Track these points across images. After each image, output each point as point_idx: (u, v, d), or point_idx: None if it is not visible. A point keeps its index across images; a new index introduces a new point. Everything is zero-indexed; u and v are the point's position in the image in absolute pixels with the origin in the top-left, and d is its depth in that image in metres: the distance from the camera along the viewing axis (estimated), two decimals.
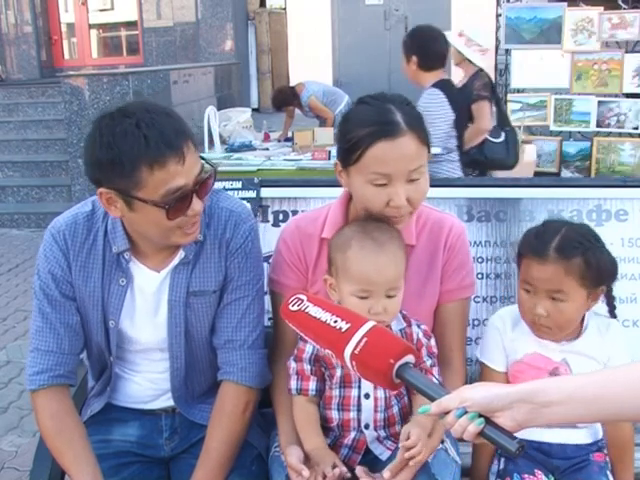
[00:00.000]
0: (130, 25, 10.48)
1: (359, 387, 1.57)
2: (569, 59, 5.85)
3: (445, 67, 4.01)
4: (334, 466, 1.46)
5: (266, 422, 1.74)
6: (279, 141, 6.12)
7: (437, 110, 3.79)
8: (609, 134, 6.00)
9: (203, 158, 1.52)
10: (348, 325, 1.22)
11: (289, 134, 6.12)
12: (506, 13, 6.04)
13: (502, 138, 4.37)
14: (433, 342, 1.61)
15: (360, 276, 1.48)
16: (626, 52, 5.82)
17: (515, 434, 1.11)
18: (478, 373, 1.78)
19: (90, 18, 10.54)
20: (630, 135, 5.92)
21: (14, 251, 5.92)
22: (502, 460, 1.69)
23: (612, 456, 1.72)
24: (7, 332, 4.22)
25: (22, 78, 9.87)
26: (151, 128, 1.39)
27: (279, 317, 1.61)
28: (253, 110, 8.18)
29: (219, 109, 6.14)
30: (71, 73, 7.30)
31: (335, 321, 1.24)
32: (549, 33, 5.88)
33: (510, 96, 6.16)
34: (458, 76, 4.77)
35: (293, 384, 1.59)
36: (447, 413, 1.13)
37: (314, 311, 1.28)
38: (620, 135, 5.95)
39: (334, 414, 1.58)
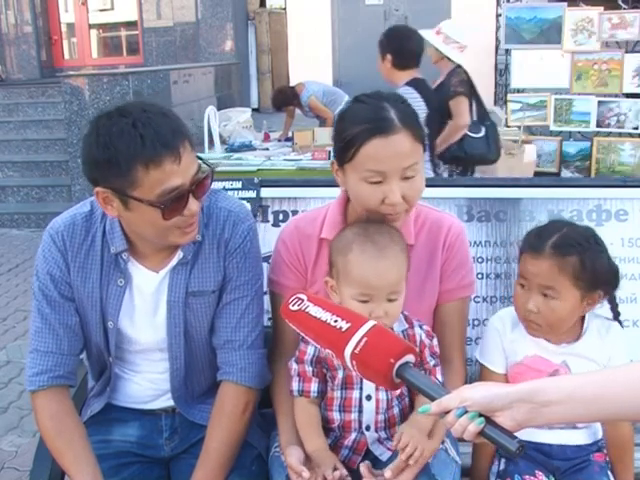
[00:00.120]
0: (130, 25, 10.49)
1: (361, 389, 1.56)
2: (569, 59, 5.85)
3: (419, 66, 3.99)
4: (335, 468, 1.46)
5: (266, 422, 1.74)
6: (279, 141, 6.13)
7: None
8: (609, 134, 6.00)
9: (200, 158, 1.51)
10: (348, 325, 1.22)
11: (289, 134, 6.12)
12: (506, 13, 6.04)
13: (482, 133, 4.35)
14: (435, 342, 1.60)
15: (361, 280, 1.48)
16: (626, 52, 5.82)
17: (515, 434, 1.11)
18: (478, 373, 1.78)
19: (90, 18, 10.54)
20: (630, 135, 5.92)
21: (14, 251, 5.92)
22: (502, 461, 1.69)
23: (612, 456, 1.72)
24: (7, 332, 4.21)
25: (22, 78, 9.88)
26: (147, 127, 1.39)
27: (279, 317, 1.61)
28: (253, 110, 8.19)
29: (219, 109, 6.15)
30: (71, 73, 7.30)
31: (335, 321, 1.23)
32: (549, 33, 5.88)
33: (510, 96, 6.16)
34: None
35: (295, 386, 1.58)
36: (447, 413, 1.13)
37: (314, 311, 1.28)
38: (620, 135, 5.95)
39: (335, 415, 1.58)
